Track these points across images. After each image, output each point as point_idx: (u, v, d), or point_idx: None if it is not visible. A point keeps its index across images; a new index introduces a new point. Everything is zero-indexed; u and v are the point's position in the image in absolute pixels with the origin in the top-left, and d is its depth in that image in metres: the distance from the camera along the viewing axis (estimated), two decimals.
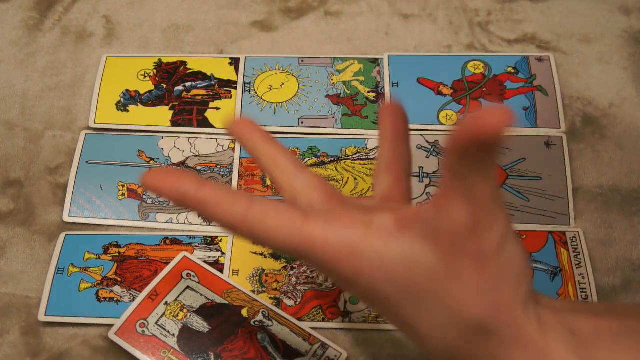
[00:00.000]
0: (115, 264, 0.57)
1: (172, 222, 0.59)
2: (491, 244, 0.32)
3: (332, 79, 0.66)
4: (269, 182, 0.60)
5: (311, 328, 0.53)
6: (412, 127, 0.62)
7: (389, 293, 0.33)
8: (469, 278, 0.32)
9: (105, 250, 0.57)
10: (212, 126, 0.63)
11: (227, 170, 0.61)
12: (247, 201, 0.34)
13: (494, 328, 0.33)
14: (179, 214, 0.59)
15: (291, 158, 0.40)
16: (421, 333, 0.34)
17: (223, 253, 0.57)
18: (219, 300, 0.54)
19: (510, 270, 0.33)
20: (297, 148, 0.62)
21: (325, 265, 0.34)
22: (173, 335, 0.52)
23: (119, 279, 0.56)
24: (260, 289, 0.55)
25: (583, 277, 0.55)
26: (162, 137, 0.63)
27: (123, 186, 0.61)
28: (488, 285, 0.32)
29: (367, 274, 0.33)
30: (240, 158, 0.61)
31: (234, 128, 0.42)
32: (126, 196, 0.60)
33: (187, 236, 0.58)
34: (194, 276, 0.55)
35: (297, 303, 0.55)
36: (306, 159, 0.61)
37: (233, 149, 0.62)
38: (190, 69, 0.66)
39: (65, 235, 0.58)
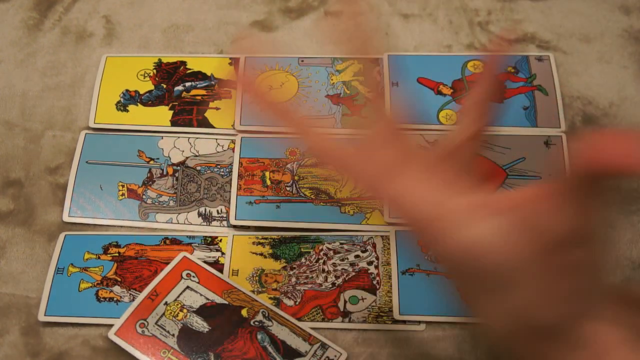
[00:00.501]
0: (115, 264, 0.57)
1: (172, 222, 0.59)
2: (576, 260, 0.32)
3: (332, 79, 0.66)
4: (268, 182, 0.60)
5: (311, 328, 0.53)
6: (411, 126, 0.62)
7: (464, 264, 0.34)
8: (544, 284, 0.33)
9: (105, 250, 0.57)
10: (212, 126, 0.63)
11: (227, 170, 0.61)
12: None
13: (557, 336, 0.33)
14: (179, 214, 0.59)
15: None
16: (487, 312, 0.35)
17: (223, 253, 0.57)
18: (218, 300, 0.54)
19: (587, 287, 0.33)
20: (297, 148, 0.62)
21: (410, 221, 0.36)
22: (173, 335, 0.52)
23: (119, 279, 0.56)
24: (260, 289, 0.55)
25: None
26: (162, 137, 0.63)
27: (123, 186, 0.61)
28: (563, 297, 0.33)
29: (450, 244, 0.34)
30: (240, 158, 0.61)
31: None
32: (126, 196, 0.60)
33: (187, 236, 0.58)
34: (193, 276, 0.55)
35: (297, 303, 0.55)
36: (306, 159, 0.61)
37: (233, 149, 0.62)
38: (190, 69, 0.66)
39: (65, 235, 0.58)
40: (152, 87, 0.65)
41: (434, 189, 0.36)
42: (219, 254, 0.57)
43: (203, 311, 0.54)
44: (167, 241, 0.58)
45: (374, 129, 0.40)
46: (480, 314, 0.36)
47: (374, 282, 0.56)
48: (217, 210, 0.60)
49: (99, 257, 0.57)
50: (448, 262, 0.36)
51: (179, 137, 0.63)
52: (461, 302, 0.38)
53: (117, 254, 0.57)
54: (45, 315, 0.54)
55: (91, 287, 0.56)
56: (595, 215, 0.31)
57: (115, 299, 0.55)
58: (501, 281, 0.33)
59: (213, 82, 0.66)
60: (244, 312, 0.54)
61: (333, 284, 0.56)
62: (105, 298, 0.55)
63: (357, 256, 0.57)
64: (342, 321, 0.54)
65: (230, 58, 0.67)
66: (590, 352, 0.33)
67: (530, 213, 0.32)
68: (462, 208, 0.34)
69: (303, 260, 0.57)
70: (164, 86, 0.66)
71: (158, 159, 0.62)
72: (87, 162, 0.62)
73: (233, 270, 0.56)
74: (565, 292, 0.33)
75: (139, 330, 0.53)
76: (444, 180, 0.36)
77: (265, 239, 0.58)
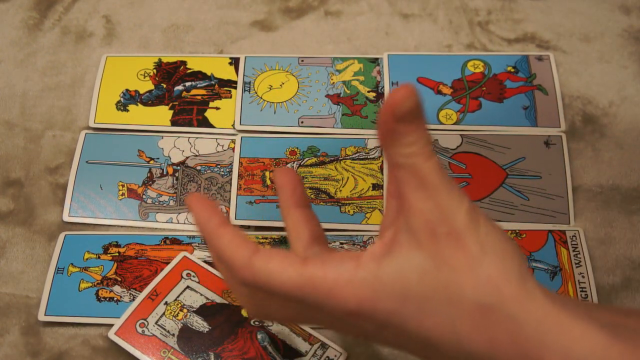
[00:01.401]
0: (115, 264, 0.57)
1: (172, 222, 0.59)
2: (461, 221, 0.33)
3: (332, 79, 0.66)
4: (268, 182, 0.60)
5: (311, 328, 0.53)
6: None
7: (392, 309, 0.34)
8: (454, 260, 0.33)
9: (105, 250, 0.57)
10: (212, 126, 0.63)
11: (227, 170, 0.61)
12: (254, 247, 0.36)
13: (499, 305, 0.32)
14: (179, 213, 0.59)
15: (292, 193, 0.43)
16: (435, 339, 0.34)
17: None
18: (218, 300, 0.54)
19: (492, 245, 0.33)
20: (297, 148, 0.62)
21: (328, 303, 0.35)
22: (173, 335, 0.52)
23: (119, 279, 0.56)
24: None
25: (583, 276, 0.55)
26: (162, 137, 0.63)
27: (123, 186, 0.61)
28: (474, 262, 0.33)
29: (368, 298, 0.34)
30: (240, 158, 0.61)
31: (277, 181, 0.43)
32: (126, 196, 0.60)
33: (187, 236, 0.58)
34: (193, 276, 0.55)
35: None
36: (306, 159, 0.61)
37: (233, 149, 0.62)
38: (190, 69, 0.67)
39: (65, 235, 0.58)
40: (152, 87, 0.66)
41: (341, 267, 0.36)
42: None
43: (203, 311, 0.54)
44: (167, 241, 0.58)
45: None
46: (433, 347, 0.35)
47: None
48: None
49: (99, 257, 0.57)
50: (390, 325, 0.35)
51: (179, 137, 0.63)
52: None
53: (117, 254, 0.57)
54: (45, 315, 0.54)
55: (91, 286, 0.56)
56: (432, 173, 0.33)
57: (115, 298, 0.55)
58: (428, 290, 0.34)
59: (213, 82, 0.66)
60: (244, 312, 0.54)
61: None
62: (105, 298, 0.55)
63: None
64: None
65: (231, 58, 0.67)
66: (534, 331, 0.32)
67: (405, 216, 0.34)
68: (370, 261, 0.35)
69: None
70: (164, 86, 0.66)
71: (158, 158, 0.62)
72: (87, 162, 0.62)
73: None
74: (476, 254, 0.33)
75: (139, 330, 0.53)
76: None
77: (265, 238, 0.58)
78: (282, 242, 0.57)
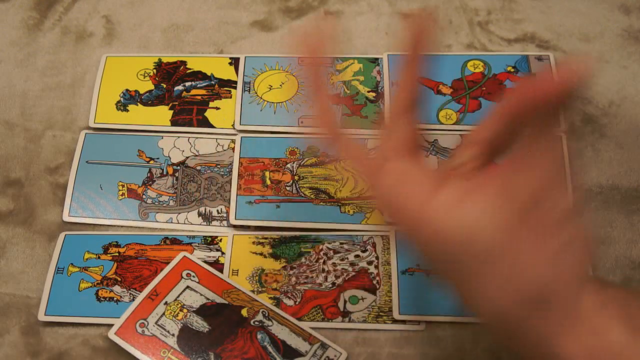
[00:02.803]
0: (115, 264, 0.57)
1: (172, 222, 0.59)
2: (555, 216, 0.34)
3: (332, 79, 0.66)
4: (268, 182, 0.60)
5: (311, 328, 0.53)
6: None
7: (456, 250, 0.35)
8: (531, 246, 0.34)
9: (105, 250, 0.57)
10: (212, 126, 0.63)
11: (227, 170, 0.61)
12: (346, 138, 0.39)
13: (549, 299, 0.34)
14: (179, 213, 0.59)
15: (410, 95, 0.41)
16: (479, 294, 0.35)
17: (223, 253, 0.57)
18: (218, 300, 0.54)
19: (572, 247, 0.34)
20: (297, 148, 0.62)
21: (397, 217, 0.37)
22: (173, 335, 0.52)
23: (119, 279, 0.56)
24: (260, 289, 0.56)
25: None
26: (162, 137, 0.63)
27: (123, 186, 0.61)
28: (550, 257, 0.34)
29: (437, 229, 0.35)
30: (240, 158, 0.61)
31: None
32: (126, 196, 0.60)
33: (187, 236, 0.58)
34: (193, 276, 0.55)
35: (297, 303, 0.55)
36: (306, 159, 0.61)
37: (233, 149, 0.62)
38: (190, 69, 0.67)
39: (65, 235, 0.58)
40: (152, 87, 0.66)
41: (418, 188, 0.36)
42: (219, 253, 0.57)
43: (203, 311, 0.54)
44: (167, 241, 0.58)
45: (393, 139, 0.40)
46: (475, 302, 0.36)
47: (374, 281, 0.56)
48: (217, 210, 0.60)
49: (99, 257, 0.57)
50: (439, 258, 0.36)
51: (179, 137, 0.63)
52: (455, 297, 0.38)
53: (117, 254, 0.57)
54: (45, 315, 0.54)
55: (91, 286, 0.56)
56: (551, 165, 0.34)
57: (115, 298, 0.55)
58: (492, 257, 0.34)
59: (213, 82, 0.66)
60: (244, 312, 0.54)
61: (333, 283, 0.56)
62: (105, 298, 0.55)
63: (357, 256, 0.57)
64: (342, 321, 0.54)
65: (230, 58, 0.67)
66: (587, 327, 0.34)
67: (504, 180, 0.34)
68: (445, 201, 0.35)
69: (303, 260, 0.57)
70: (164, 86, 0.66)
71: (158, 158, 0.62)
72: (87, 162, 0.62)
73: (233, 270, 0.56)
74: (552, 249, 0.34)
75: (139, 330, 0.53)
76: (421, 179, 0.37)
77: (265, 238, 0.58)
78: (282, 242, 0.57)
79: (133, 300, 0.55)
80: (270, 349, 0.52)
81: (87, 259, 0.57)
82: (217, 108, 0.64)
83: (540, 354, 0.35)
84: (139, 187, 0.61)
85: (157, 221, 0.59)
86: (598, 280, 0.37)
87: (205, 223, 0.59)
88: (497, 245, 0.34)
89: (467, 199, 0.35)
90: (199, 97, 0.65)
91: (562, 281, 0.34)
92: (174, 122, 0.64)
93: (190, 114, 0.64)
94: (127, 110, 0.64)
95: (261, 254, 0.57)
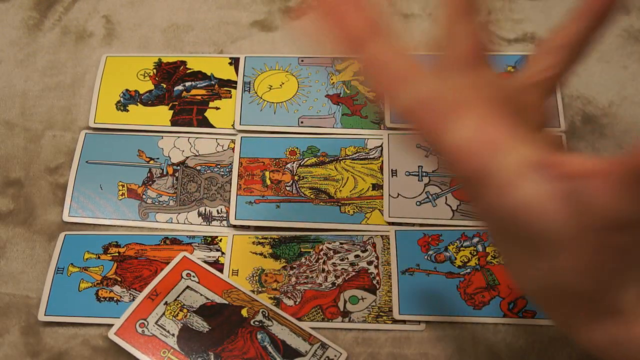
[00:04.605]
0: (115, 264, 0.57)
1: (172, 222, 0.59)
2: (626, 244, 0.30)
3: (332, 79, 0.66)
4: (268, 182, 0.60)
5: (311, 328, 0.53)
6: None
7: (500, 217, 0.33)
8: (587, 259, 0.31)
9: (105, 250, 0.57)
10: (212, 126, 0.63)
11: (227, 170, 0.61)
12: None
13: (591, 300, 0.33)
14: (179, 213, 0.59)
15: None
16: (523, 274, 0.34)
17: (223, 253, 0.57)
18: (218, 300, 0.54)
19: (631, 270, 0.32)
20: (297, 148, 0.62)
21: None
22: (173, 335, 0.52)
23: (119, 279, 0.56)
24: (260, 289, 0.56)
25: None
26: (162, 137, 0.63)
27: (123, 186, 0.61)
28: (602, 272, 0.31)
29: (496, 190, 0.32)
30: (240, 158, 0.61)
31: None
32: (126, 196, 0.60)
33: (187, 236, 0.58)
34: (193, 276, 0.55)
35: (297, 303, 0.55)
36: (306, 159, 0.61)
37: (233, 149, 0.62)
38: (190, 69, 0.67)
39: (65, 235, 0.58)
40: (152, 87, 0.66)
41: (494, 135, 0.33)
42: (219, 253, 0.57)
43: (203, 311, 0.54)
44: (167, 241, 0.58)
45: (456, 48, 0.37)
46: (515, 274, 0.35)
47: (374, 281, 0.56)
48: (217, 210, 0.60)
49: (99, 257, 0.57)
50: (491, 219, 0.34)
51: (179, 137, 0.63)
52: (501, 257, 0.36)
53: (117, 254, 0.57)
54: (45, 315, 0.54)
55: (91, 286, 0.56)
56: None
57: (115, 298, 0.55)
58: (542, 245, 0.32)
59: (213, 82, 0.66)
60: (244, 312, 0.54)
61: (333, 283, 0.56)
62: (105, 298, 0.55)
63: (357, 256, 0.57)
64: (342, 321, 0.54)
65: (230, 58, 0.67)
66: (625, 318, 0.32)
67: (587, 188, 0.30)
68: (518, 164, 0.32)
69: (303, 260, 0.57)
70: (164, 86, 0.66)
71: (158, 158, 0.62)
72: (87, 162, 0.62)
73: (233, 270, 0.56)
74: (608, 269, 0.31)
75: (139, 330, 0.53)
76: (506, 126, 0.34)
77: (265, 238, 0.58)
78: (282, 242, 0.57)
79: (133, 300, 0.55)
80: (270, 349, 0.52)
81: (87, 259, 0.57)
82: (217, 108, 0.64)
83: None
84: (139, 187, 0.61)
85: (157, 221, 0.59)
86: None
87: (205, 223, 0.59)
88: (550, 238, 0.31)
89: (542, 177, 0.31)
90: (199, 97, 0.65)
91: (609, 290, 0.32)
92: (174, 122, 0.64)
93: (190, 114, 0.64)
94: (127, 110, 0.64)
95: (261, 254, 0.57)
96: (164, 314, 0.53)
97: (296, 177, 0.60)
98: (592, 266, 0.31)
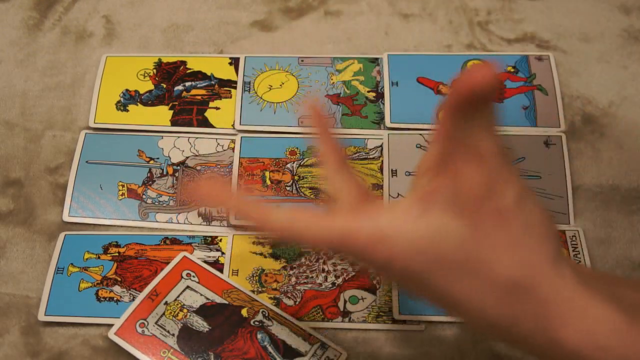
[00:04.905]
0: (115, 264, 0.57)
1: (172, 222, 0.59)
2: (510, 199, 0.33)
3: (331, 79, 0.66)
4: (268, 182, 0.60)
5: (311, 328, 0.53)
6: (411, 126, 0.62)
7: (422, 269, 0.34)
8: (495, 237, 0.33)
9: (105, 250, 0.57)
10: (212, 126, 0.63)
11: (227, 170, 0.61)
12: (290, 210, 0.37)
13: (529, 285, 0.33)
14: (179, 213, 0.59)
15: (336, 156, 0.41)
16: (460, 304, 0.35)
17: (223, 253, 0.57)
18: (218, 300, 0.54)
19: (534, 226, 0.34)
20: (297, 148, 0.62)
21: (360, 255, 0.36)
22: (173, 335, 0.52)
23: (119, 279, 0.56)
24: (260, 289, 0.56)
25: None
26: (162, 137, 0.63)
27: (123, 186, 0.61)
28: (515, 242, 0.33)
29: (399, 256, 0.34)
30: (240, 158, 0.61)
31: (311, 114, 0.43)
32: (126, 196, 0.60)
33: (187, 236, 0.58)
34: (193, 276, 0.55)
35: (297, 303, 0.55)
36: (306, 159, 0.61)
37: (233, 149, 0.62)
38: (190, 69, 0.67)
39: (65, 235, 0.58)
40: (152, 87, 0.66)
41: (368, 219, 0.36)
42: (219, 253, 0.57)
43: (203, 311, 0.54)
44: (167, 241, 0.58)
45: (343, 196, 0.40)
46: (462, 314, 0.36)
47: (374, 281, 0.56)
48: (217, 210, 0.60)
49: (99, 257, 0.57)
50: (411, 278, 0.36)
51: (179, 137, 0.63)
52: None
53: (117, 254, 0.57)
54: (45, 315, 0.54)
55: (91, 286, 0.56)
56: (492, 148, 0.33)
57: (115, 298, 0.55)
58: (464, 260, 0.34)
59: (213, 82, 0.66)
60: (244, 312, 0.54)
61: (333, 283, 0.56)
62: (105, 298, 0.55)
63: None
64: (342, 321, 0.54)
65: (230, 58, 0.67)
66: (576, 309, 0.33)
67: (454, 180, 0.34)
68: (404, 220, 0.35)
69: (303, 260, 0.57)
70: (164, 86, 0.66)
71: (158, 158, 0.62)
72: (87, 162, 0.62)
73: (233, 270, 0.56)
74: (516, 234, 0.33)
75: (139, 330, 0.53)
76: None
77: (266, 238, 0.58)
78: (282, 242, 0.57)
79: (133, 300, 0.55)
80: (270, 349, 0.52)
81: (87, 259, 0.57)
82: (217, 108, 0.64)
83: (542, 345, 0.34)
84: (139, 187, 0.61)
85: (157, 221, 0.59)
86: (571, 260, 0.37)
87: (205, 223, 0.59)
88: (466, 245, 0.33)
89: (424, 210, 0.34)
90: (199, 97, 0.65)
91: (534, 264, 0.33)
92: (174, 122, 0.64)
93: (190, 114, 0.64)
94: (127, 110, 0.64)
95: (261, 254, 0.57)
96: (164, 314, 0.53)
97: (296, 177, 0.60)
98: (499, 244, 0.34)
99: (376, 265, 0.36)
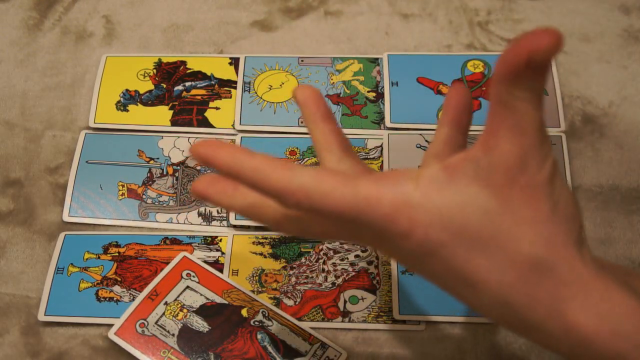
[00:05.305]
0: (115, 264, 0.57)
1: (172, 222, 0.59)
2: (543, 177, 0.32)
3: (331, 79, 0.66)
4: None
5: (311, 328, 0.53)
6: (411, 126, 0.62)
7: (444, 241, 0.33)
8: (523, 213, 0.32)
9: (105, 250, 0.57)
10: (212, 126, 0.63)
11: None
12: (300, 166, 0.35)
13: (551, 264, 0.32)
14: (179, 213, 0.59)
15: (322, 110, 0.41)
16: (477, 280, 0.33)
17: (223, 253, 0.57)
18: (218, 300, 0.54)
19: (562, 206, 0.33)
20: (297, 148, 0.62)
21: (378, 225, 0.34)
22: (173, 335, 0.52)
23: (119, 279, 0.56)
24: (260, 289, 0.56)
25: None
26: (162, 137, 0.63)
27: (123, 186, 0.61)
28: (542, 219, 0.32)
29: (422, 224, 0.33)
30: None
31: (299, 97, 0.42)
32: (126, 196, 0.60)
33: (187, 236, 0.58)
34: (193, 276, 0.55)
35: (297, 303, 0.55)
36: (306, 159, 0.61)
37: None
38: (190, 69, 0.67)
39: (65, 235, 0.58)
40: (152, 87, 0.66)
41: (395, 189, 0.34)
42: (219, 253, 0.57)
43: (203, 311, 0.54)
44: (167, 241, 0.58)
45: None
46: (471, 283, 0.34)
47: (374, 281, 0.56)
48: (217, 210, 0.60)
49: (99, 257, 0.57)
50: (430, 259, 0.34)
51: (179, 137, 0.63)
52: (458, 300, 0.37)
53: (117, 254, 0.57)
54: (45, 315, 0.54)
55: (91, 286, 0.56)
56: (535, 122, 0.32)
57: (115, 298, 0.55)
58: (488, 236, 0.33)
59: (213, 82, 0.66)
60: (244, 312, 0.54)
61: (333, 283, 0.56)
62: (105, 298, 0.55)
63: (357, 256, 0.57)
64: (342, 321, 0.54)
65: (230, 58, 0.67)
66: (594, 291, 0.32)
67: (483, 153, 0.33)
68: (426, 193, 0.33)
69: (303, 260, 0.57)
70: (164, 86, 0.66)
71: (158, 158, 0.62)
72: (87, 162, 0.62)
73: (233, 270, 0.56)
74: (546, 211, 0.32)
75: (139, 330, 0.53)
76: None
77: (265, 238, 0.58)
78: (282, 242, 0.57)
79: (133, 300, 0.55)
80: (270, 349, 0.52)
81: (87, 259, 0.57)
82: (217, 108, 0.64)
83: (554, 331, 0.33)
84: (139, 187, 0.61)
85: (157, 221, 0.59)
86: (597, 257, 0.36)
87: (205, 223, 0.59)
88: (492, 218, 0.32)
89: (451, 180, 0.33)
90: (199, 97, 0.65)
91: (559, 243, 0.33)
92: (174, 122, 0.64)
93: (190, 114, 0.64)
94: (127, 110, 0.64)
95: (261, 254, 0.57)
96: (164, 314, 0.53)
97: None
98: (526, 220, 0.33)
99: (392, 238, 0.34)
